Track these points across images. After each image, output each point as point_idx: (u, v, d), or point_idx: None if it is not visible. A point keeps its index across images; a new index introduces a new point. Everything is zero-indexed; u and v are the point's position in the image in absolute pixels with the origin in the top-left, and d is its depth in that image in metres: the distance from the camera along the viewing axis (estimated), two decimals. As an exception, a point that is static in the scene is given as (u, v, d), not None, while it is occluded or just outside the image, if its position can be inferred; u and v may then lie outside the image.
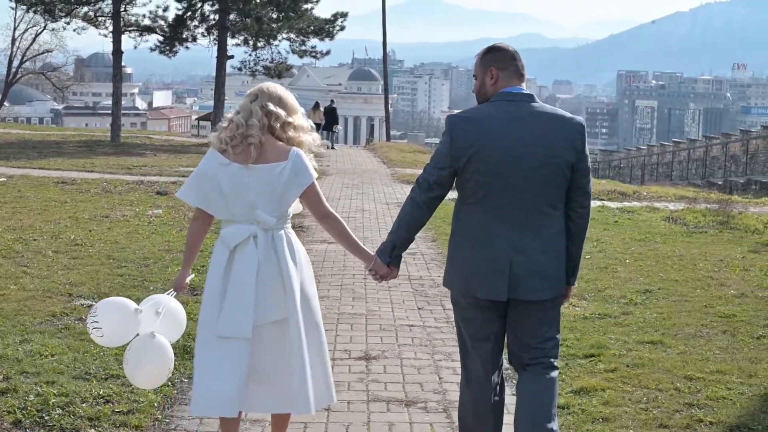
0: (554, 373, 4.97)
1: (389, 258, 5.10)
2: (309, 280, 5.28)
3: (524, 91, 4.93)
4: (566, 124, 4.87)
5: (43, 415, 5.92)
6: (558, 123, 4.86)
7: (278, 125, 5.10)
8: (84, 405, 6.12)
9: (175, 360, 6.99)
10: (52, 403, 6.09)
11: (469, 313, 4.99)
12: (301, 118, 5.20)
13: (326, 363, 5.26)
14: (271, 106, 5.09)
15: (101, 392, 6.35)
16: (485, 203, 4.85)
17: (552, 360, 4.97)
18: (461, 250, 4.96)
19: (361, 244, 5.36)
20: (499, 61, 4.96)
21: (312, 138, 5.25)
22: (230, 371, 5.01)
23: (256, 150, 5.01)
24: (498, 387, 5.07)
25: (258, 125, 5.05)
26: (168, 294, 5.40)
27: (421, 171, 5.03)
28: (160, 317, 5.22)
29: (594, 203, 18.49)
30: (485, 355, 5.00)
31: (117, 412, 6.04)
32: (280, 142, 5.10)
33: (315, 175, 5.15)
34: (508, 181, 4.79)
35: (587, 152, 4.93)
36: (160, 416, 6.07)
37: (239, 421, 5.23)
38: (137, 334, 5.22)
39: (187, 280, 5.34)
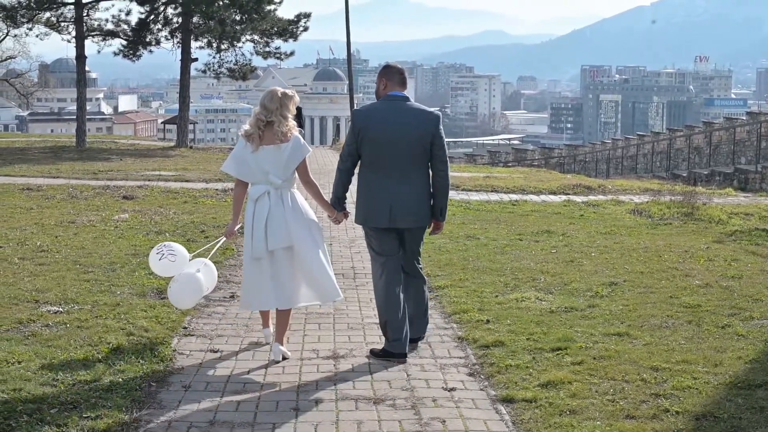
0: (423, 283, 7.93)
1: (341, 207, 7.84)
2: (311, 220, 7.65)
3: (402, 95, 7.61)
4: (426, 115, 7.57)
5: (11, 422, 5.90)
6: (420, 114, 7.56)
7: (270, 119, 7.51)
8: (51, 411, 6.10)
9: (143, 365, 7.06)
10: (20, 410, 6.08)
11: (374, 235, 7.67)
12: (284, 112, 7.52)
13: (328, 271, 7.66)
14: (260, 107, 7.57)
15: (68, 398, 6.33)
16: (375, 166, 7.55)
17: (420, 269, 7.87)
18: (364, 195, 7.64)
19: (328, 202, 7.83)
20: (389, 74, 7.68)
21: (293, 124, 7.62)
22: (260, 279, 7.58)
23: (259, 139, 7.49)
24: (400, 284, 7.63)
25: (254, 122, 7.55)
26: (218, 242, 8.38)
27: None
28: (201, 272, 7.89)
29: (559, 197, 18.67)
30: (386, 259, 7.63)
31: (84, 417, 6.03)
32: (284, 129, 7.47)
33: (309, 151, 7.65)
34: (388, 152, 7.49)
35: (441, 134, 7.55)
36: (127, 419, 6.05)
37: (268, 313, 7.94)
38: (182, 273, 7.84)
39: (236, 228, 7.93)
